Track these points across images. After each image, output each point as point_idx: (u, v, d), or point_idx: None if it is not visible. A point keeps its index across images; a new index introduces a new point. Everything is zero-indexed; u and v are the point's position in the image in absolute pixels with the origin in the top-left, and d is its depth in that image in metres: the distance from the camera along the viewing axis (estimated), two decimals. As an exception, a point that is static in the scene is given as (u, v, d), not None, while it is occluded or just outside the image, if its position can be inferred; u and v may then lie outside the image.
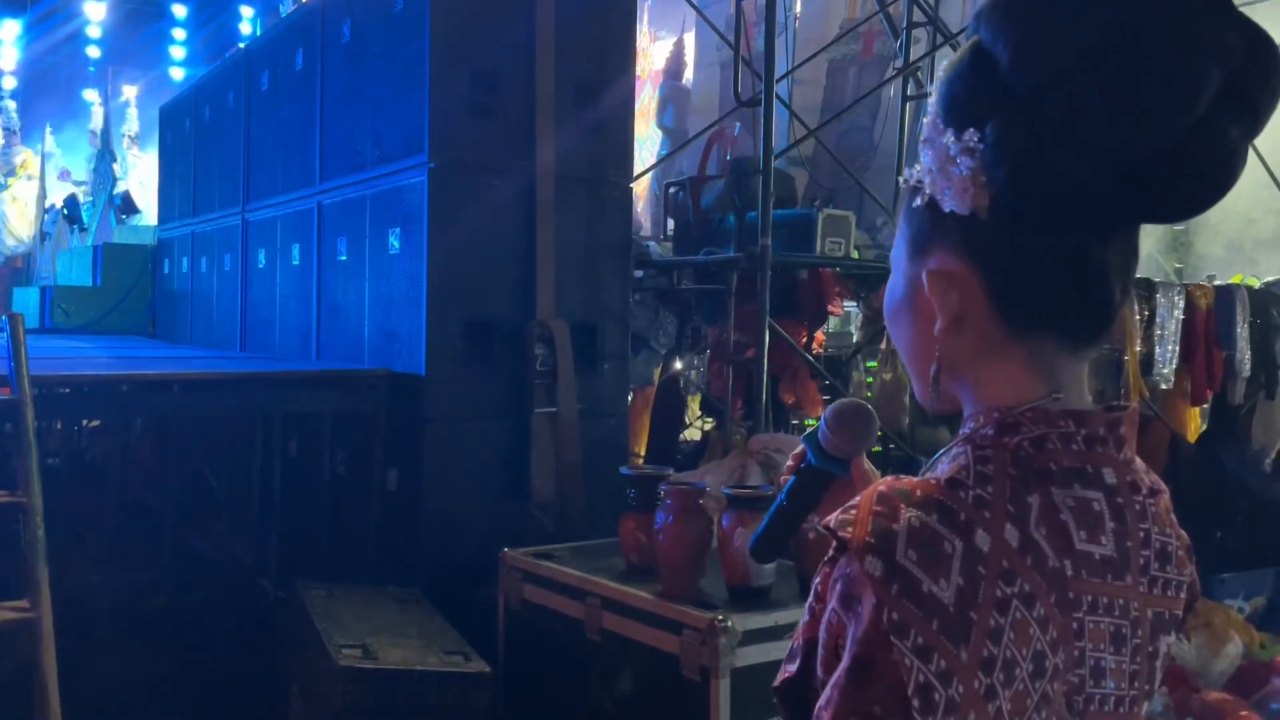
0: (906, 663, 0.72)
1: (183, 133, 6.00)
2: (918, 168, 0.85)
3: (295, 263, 4.30)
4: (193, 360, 4.16)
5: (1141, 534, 0.84)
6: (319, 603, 2.90)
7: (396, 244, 3.52)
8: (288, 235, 4.39)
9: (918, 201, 0.85)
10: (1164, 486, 0.91)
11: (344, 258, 3.89)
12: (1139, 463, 0.88)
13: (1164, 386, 4.70)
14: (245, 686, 3.06)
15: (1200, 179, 0.76)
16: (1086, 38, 0.74)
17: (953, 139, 0.80)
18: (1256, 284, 5.23)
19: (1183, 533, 0.90)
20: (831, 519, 0.80)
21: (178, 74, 12.20)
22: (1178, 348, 4.68)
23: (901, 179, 0.89)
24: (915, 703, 0.72)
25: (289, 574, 3.21)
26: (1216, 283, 5.08)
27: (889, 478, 0.83)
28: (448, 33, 3.35)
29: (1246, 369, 4.83)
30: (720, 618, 2.30)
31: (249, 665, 3.09)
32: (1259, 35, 0.75)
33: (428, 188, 3.34)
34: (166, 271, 6.34)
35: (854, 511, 0.79)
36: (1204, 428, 5.11)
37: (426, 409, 3.35)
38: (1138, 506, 0.85)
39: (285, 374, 3.66)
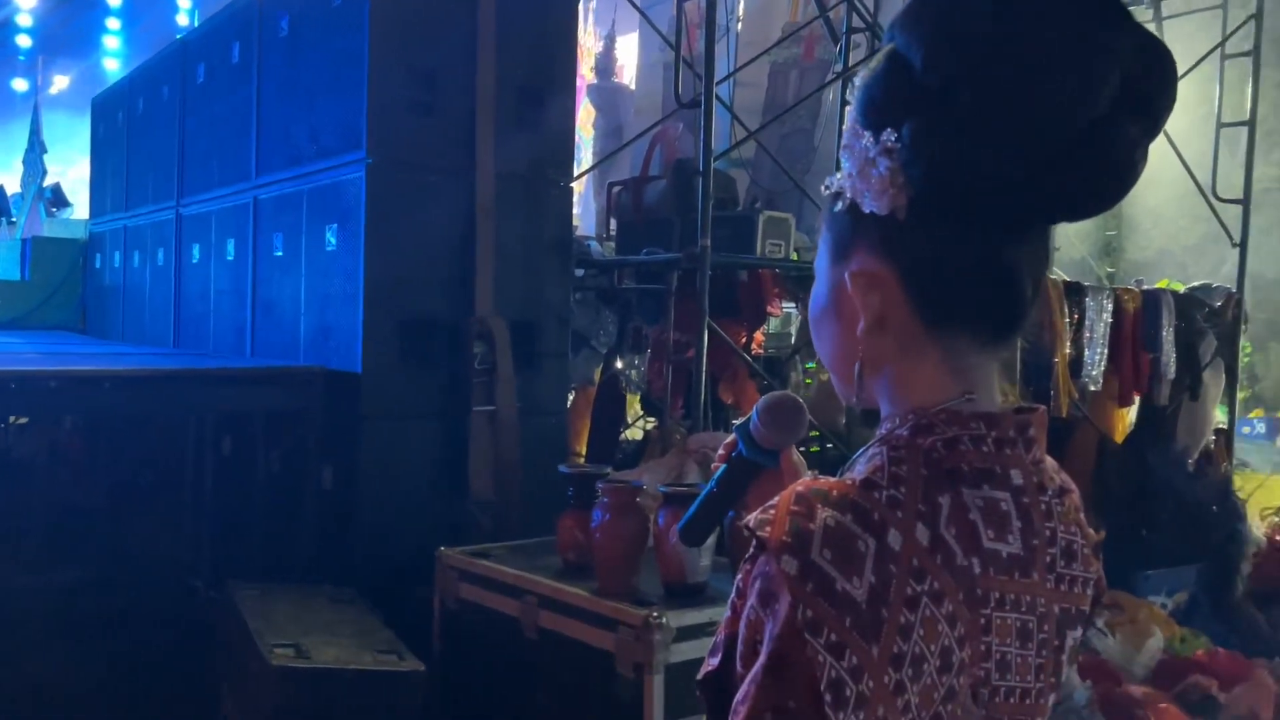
0: (820, 659, 0.75)
1: (115, 125, 5.88)
2: (838, 175, 0.88)
3: (230, 258, 4.24)
4: (124, 356, 4.09)
5: (1048, 532, 0.87)
6: (251, 602, 2.86)
7: (334, 240, 3.49)
8: (223, 230, 4.33)
9: (839, 206, 0.88)
10: (1073, 486, 0.94)
11: (280, 253, 3.84)
12: (1049, 462, 0.91)
13: (1093, 388, 4.81)
14: (176, 687, 3.01)
15: (1104, 175, 0.80)
16: (993, 39, 0.78)
17: (871, 140, 0.82)
18: (1182, 288, 5.38)
19: (1090, 531, 0.93)
20: (751, 519, 0.82)
21: (112, 65, 11.95)
22: (1106, 350, 4.80)
23: (823, 187, 0.91)
24: (827, 698, 0.74)
25: (222, 573, 3.16)
26: (1144, 287, 5.22)
27: (807, 478, 0.86)
28: (387, 29, 3.33)
29: (1172, 371, 4.97)
30: (655, 614, 2.32)
31: (180, 666, 3.04)
32: (1152, 40, 0.79)
33: (365, 184, 3.31)
34: (98, 266, 6.21)
35: (772, 511, 0.81)
36: (1131, 429, 5.25)
37: (363, 406, 3.32)
38: (1044, 506, 0.87)
39: (219, 371, 3.61)
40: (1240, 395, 6.02)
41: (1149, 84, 0.79)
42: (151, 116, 5.24)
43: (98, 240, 6.26)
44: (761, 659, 0.77)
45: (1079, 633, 0.90)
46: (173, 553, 3.56)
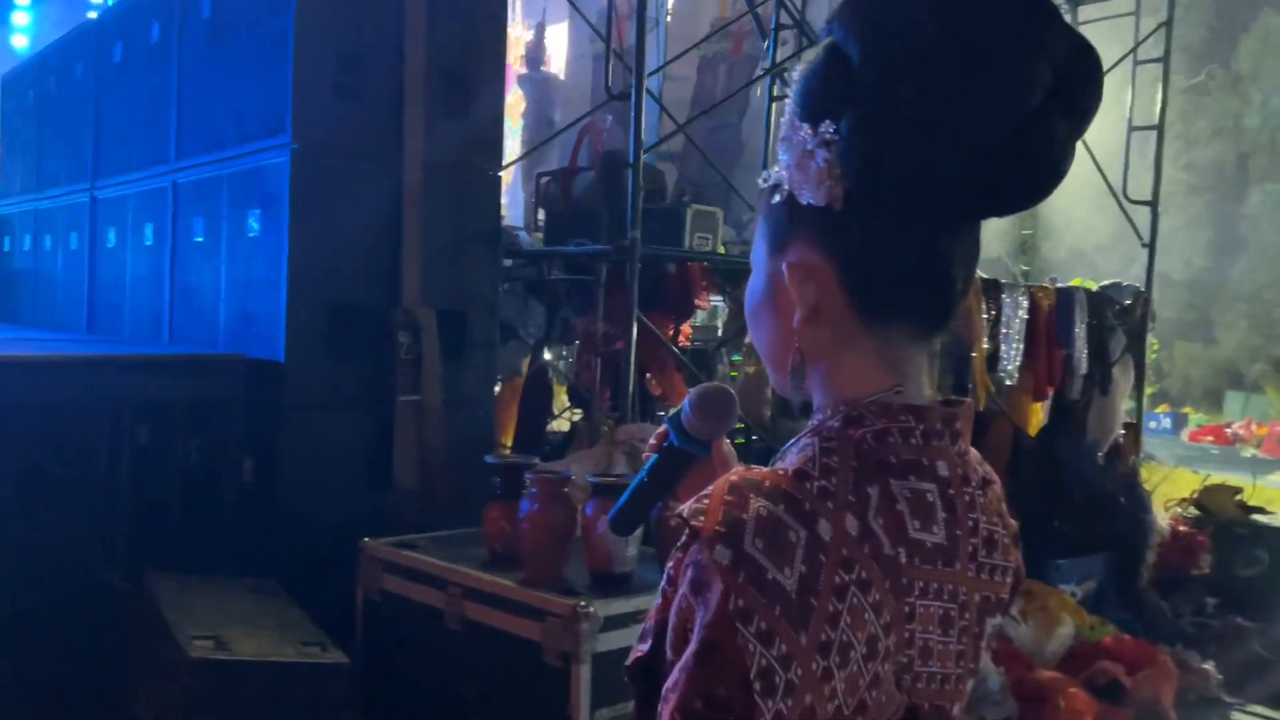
0: (750, 648, 0.76)
1: (25, 104, 5.69)
2: (775, 167, 0.89)
3: (148, 243, 4.13)
4: (35, 342, 3.96)
5: (971, 523, 0.89)
6: (169, 593, 2.80)
7: (256, 226, 3.42)
8: (140, 214, 4.22)
9: (776, 199, 0.88)
10: (995, 477, 0.96)
11: (200, 239, 3.76)
12: (973, 454, 0.93)
13: (1008, 383, 4.93)
14: (87, 683, 2.93)
15: (1033, 170, 0.82)
16: (930, 34, 0.79)
17: (809, 132, 0.84)
18: (1094, 286, 5.54)
19: (1011, 521, 0.95)
20: (685, 508, 0.83)
21: (20, 41, 11.53)
22: (1021, 346, 4.92)
23: (760, 179, 0.92)
24: (757, 685, 0.75)
25: (139, 566, 3.08)
26: (1058, 285, 5.36)
27: (740, 468, 0.86)
28: (312, 11, 3.27)
29: (1084, 367, 5.12)
30: (583, 604, 2.33)
31: (91, 659, 2.95)
32: (1082, 40, 0.82)
33: (290, 169, 3.25)
34: (7, 249, 6.01)
35: (706, 501, 0.82)
36: (1044, 422, 5.39)
37: (286, 396, 3.26)
38: (968, 497, 0.89)
39: (136, 358, 3.52)
40: (1147, 391, 6.22)
41: (1078, 81, 0.82)
42: (64, 96, 5.08)
43: (6, 222, 6.05)
44: (692, 646, 0.79)
45: (998, 620, 0.92)
46: (85, 545, 3.46)
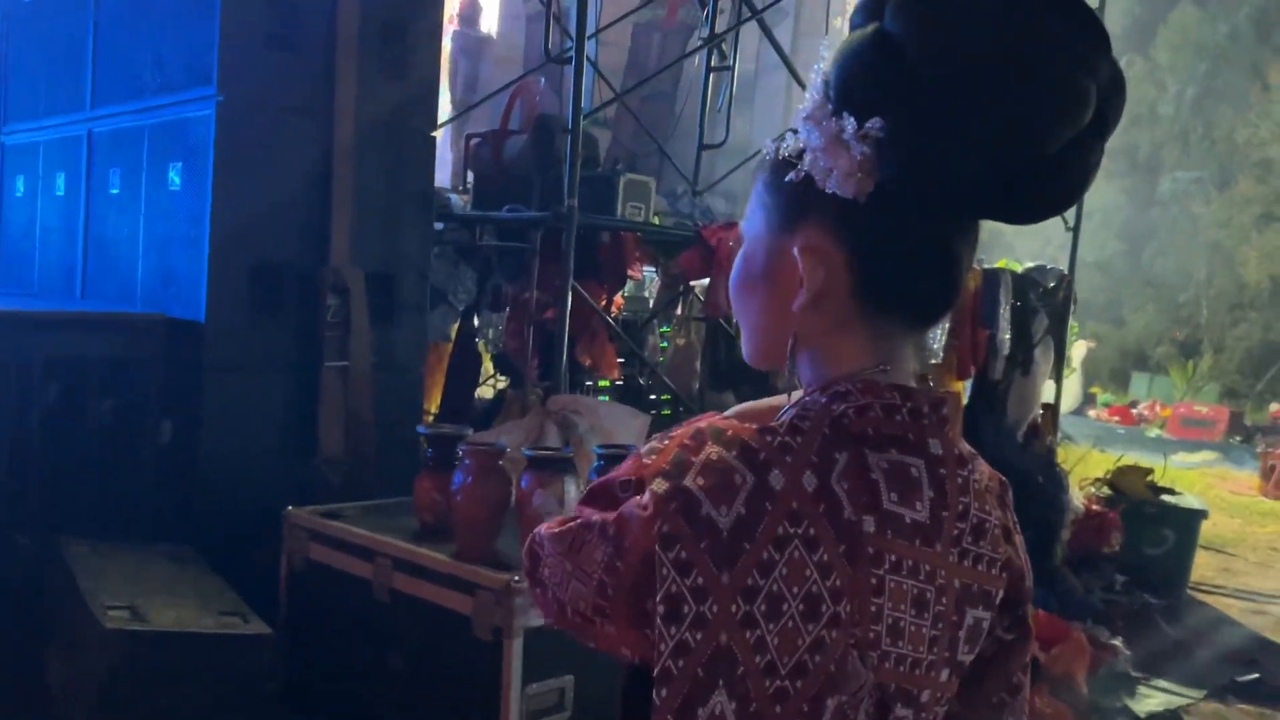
0: (664, 572, 0.77)
1: (-74, 40, 5.38)
2: (792, 140, 0.85)
3: (60, 193, 3.95)
4: (-65, 294, 3.77)
5: (960, 507, 0.87)
6: (82, 560, 2.69)
7: (178, 180, 3.29)
8: (51, 163, 4.03)
9: (790, 176, 0.85)
10: (987, 469, 0.94)
11: (116, 191, 3.60)
12: (965, 446, 0.91)
13: (933, 361, 5.00)
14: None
15: (1064, 188, 0.82)
16: (993, 45, 0.77)
17: (851, 124, 0.80)
18: (1019, 269, 5.64)
19: (1003, 514, 0.93)
20: (645, 446, 0.86)
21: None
22: (948, 325, 4.98)
23: (766, 150, 0.89)
24: (661, 609, 0.77)
25: (50, 530, 2.96)
26: (984, 266, 5.44)
27: (714, 414, 0.86)
28: (244, -43, 3.14)
29: (1006, 347, 5.21)
30: (516, 578, 2.29)
31: (1, 628, 2.83)
32: (1118, 67, 0.81)
33: (215, 121, 3.12)
34: (-97, 194, 5.70)
35: (667, 441, 0.84)
36: (965, 401, 5.49)
37: (206, 357, 3.16)
38: (960, 480, 0.87)
39: (46, 314, 3.37)
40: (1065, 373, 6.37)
41: (1112, 109, 0.81)
42: (-31, 34, 4.81)
43: (-98, 165, 5.74)
44: (598, 520, 0.84)
45: (982, 613, 0.90)
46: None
